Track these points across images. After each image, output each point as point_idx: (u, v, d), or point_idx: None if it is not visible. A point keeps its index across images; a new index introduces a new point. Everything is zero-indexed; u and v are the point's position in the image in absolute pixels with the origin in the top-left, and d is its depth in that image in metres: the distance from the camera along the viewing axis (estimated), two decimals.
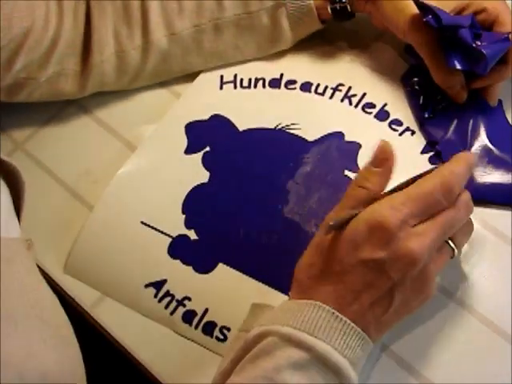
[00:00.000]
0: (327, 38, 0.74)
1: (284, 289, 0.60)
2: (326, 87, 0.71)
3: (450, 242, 0.54)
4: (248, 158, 0.67)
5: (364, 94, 0.70)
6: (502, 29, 0.64)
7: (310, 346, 0.49)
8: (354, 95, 0.70)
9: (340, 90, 0.70)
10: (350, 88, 0.70)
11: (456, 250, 0.55)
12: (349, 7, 0.68)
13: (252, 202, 0.65)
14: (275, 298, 0.59)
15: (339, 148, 0.67)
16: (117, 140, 0.71)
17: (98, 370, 0.71)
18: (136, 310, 0.62)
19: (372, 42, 0.74)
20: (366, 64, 0.72)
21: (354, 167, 0.65)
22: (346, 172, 0.65)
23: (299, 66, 0.73)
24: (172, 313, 0.61)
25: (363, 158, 0.66)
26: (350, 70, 0.72)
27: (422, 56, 0.65)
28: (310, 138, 0.67)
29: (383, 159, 0.53)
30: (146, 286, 0.62)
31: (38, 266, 0.63)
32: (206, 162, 0.67)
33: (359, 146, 0.67)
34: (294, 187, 0.65)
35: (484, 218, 0.63)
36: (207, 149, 0.68)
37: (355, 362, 0.50)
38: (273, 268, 0.62)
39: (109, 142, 0.71)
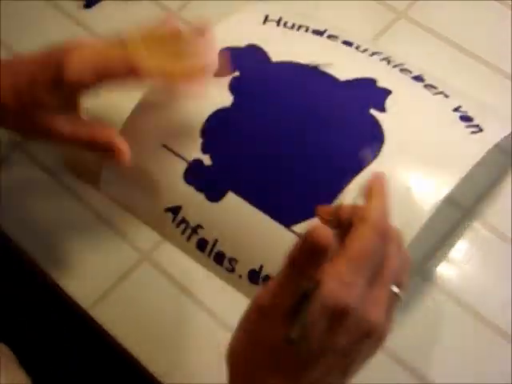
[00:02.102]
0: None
1: (282, 218, 0.60)
2: (367, 49, 0.69)
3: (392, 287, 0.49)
4: (275, 89, 0.65)
5: (403, 63, 0.68)
6: None
7: None
8: (393, 61, 0.69)
9: (380, 54, 0.69)
10: (390, 56, 0.69)
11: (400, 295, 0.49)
12: None
13: (271, 132, 0.63)
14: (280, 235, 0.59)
15: (369, 90, 0.65)
16: None
17: (97, 369, 0.71)
18: (160, 234, 0.63)
19: None
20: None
21: (381, 108, 0.63)
22: (372, 111, 0.62)
23: (344, 30, 0.72)
24: (188, 239, 0.62)
25: (391, 104, 0.63)
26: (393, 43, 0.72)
27: None
28: (342, 78, 0.65)
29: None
30: (166, 210, 0.63)
31: (39, 266, 0.64)
32: (233, 86, 0.65)
33: (389, 92, 0.64)
34: (316, 122, 0.63)
35: (484, 218, 0.63)
36: (236, 73, 0.65)
37: None
38: (284, 203, 0.61)
39: None
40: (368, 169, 0.59)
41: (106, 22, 0.77)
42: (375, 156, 0.60)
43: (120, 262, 0.64)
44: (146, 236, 0.65)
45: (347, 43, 0.70)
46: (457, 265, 0.61)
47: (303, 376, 0.46)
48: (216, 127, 0.63)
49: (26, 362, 0.61)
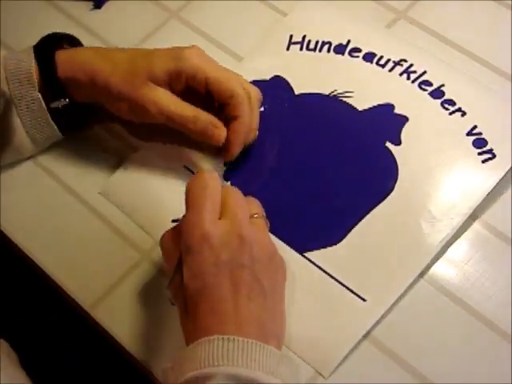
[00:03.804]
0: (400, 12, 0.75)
1: (296, 245, 0.63)
2: (389, 60, 0.71)
3: (255, 215, 0.58)
4: (297, 122, 0.69)
5: (424, 72, 0.70)
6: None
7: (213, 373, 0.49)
8: (414, 72, 0.70)
9: (401, 65, 0.71)
10: (411, 65, 0.71)
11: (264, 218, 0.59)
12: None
13: (289, 164, 0.66)
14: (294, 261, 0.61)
15: (386, 119, 0.68)
16: None
17: (97, 370, 0.71)
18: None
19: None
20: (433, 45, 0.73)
21: (396, 140, 0.66)
22: (388, 144, 0.66)
23: (367, 36, 0.74)
24: None
25: (408, 132, 0.67)
26: (415, 48, 0.73)
27: None
28: (361, 107, 0.69)
29: None
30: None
31: (38, 266, 0.64)
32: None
33: (406, 119, 0.67)
34: (333, 155, 0.66)
35: (484, 218, 0.63)
36: (261, 109, 0.68)
37: (273, 371, 0.50)
38: (299, 231, 0.64)
39: None
40: (380, 206, 0.63)
41: (106, 22, 0.78)
42: (388, 192, 0.64)
43: (120, 261, 0.64)
44: (146, 236, 0.65)
45: (369, 57, 0.72)
46: (457, 265, 0.62)
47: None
48: (239, 157, 0.65)
49: (26, 361, 0.61)
